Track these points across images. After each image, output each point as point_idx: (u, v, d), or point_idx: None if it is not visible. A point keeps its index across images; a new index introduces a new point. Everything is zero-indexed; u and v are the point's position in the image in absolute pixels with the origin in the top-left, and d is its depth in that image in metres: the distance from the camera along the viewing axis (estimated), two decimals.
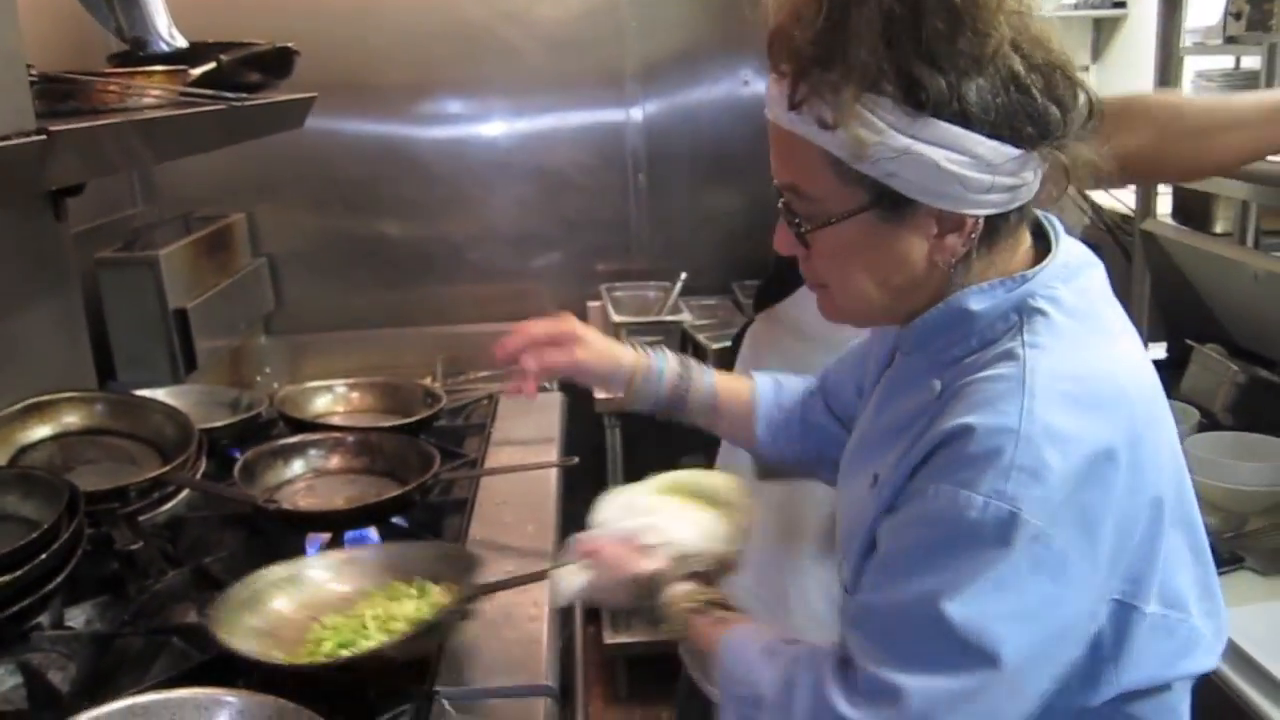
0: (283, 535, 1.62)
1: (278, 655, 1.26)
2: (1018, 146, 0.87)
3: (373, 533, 1.66)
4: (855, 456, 1.12)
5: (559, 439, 2.02)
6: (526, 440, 1.99)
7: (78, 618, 1.44)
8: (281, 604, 1.38)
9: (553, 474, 1.80)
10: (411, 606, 1.33)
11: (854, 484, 1.08)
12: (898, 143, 0.86)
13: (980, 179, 0.87)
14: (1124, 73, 3.22)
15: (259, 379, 2.81)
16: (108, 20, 1.14)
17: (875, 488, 0.99)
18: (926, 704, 0.84)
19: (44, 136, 1.03)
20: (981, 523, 0.83)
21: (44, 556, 1.29)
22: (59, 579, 1.33)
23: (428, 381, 2.61)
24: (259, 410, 2.00)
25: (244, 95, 1.38)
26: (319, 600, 1.39)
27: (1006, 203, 0.90)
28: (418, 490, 1.64)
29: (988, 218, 0.90)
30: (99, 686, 1.28)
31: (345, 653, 1.23)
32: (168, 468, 1.60)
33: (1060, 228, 0.99)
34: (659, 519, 1.21)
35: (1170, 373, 2.33)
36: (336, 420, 2.01)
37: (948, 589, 0.83)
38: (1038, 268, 0.94)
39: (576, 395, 2.57)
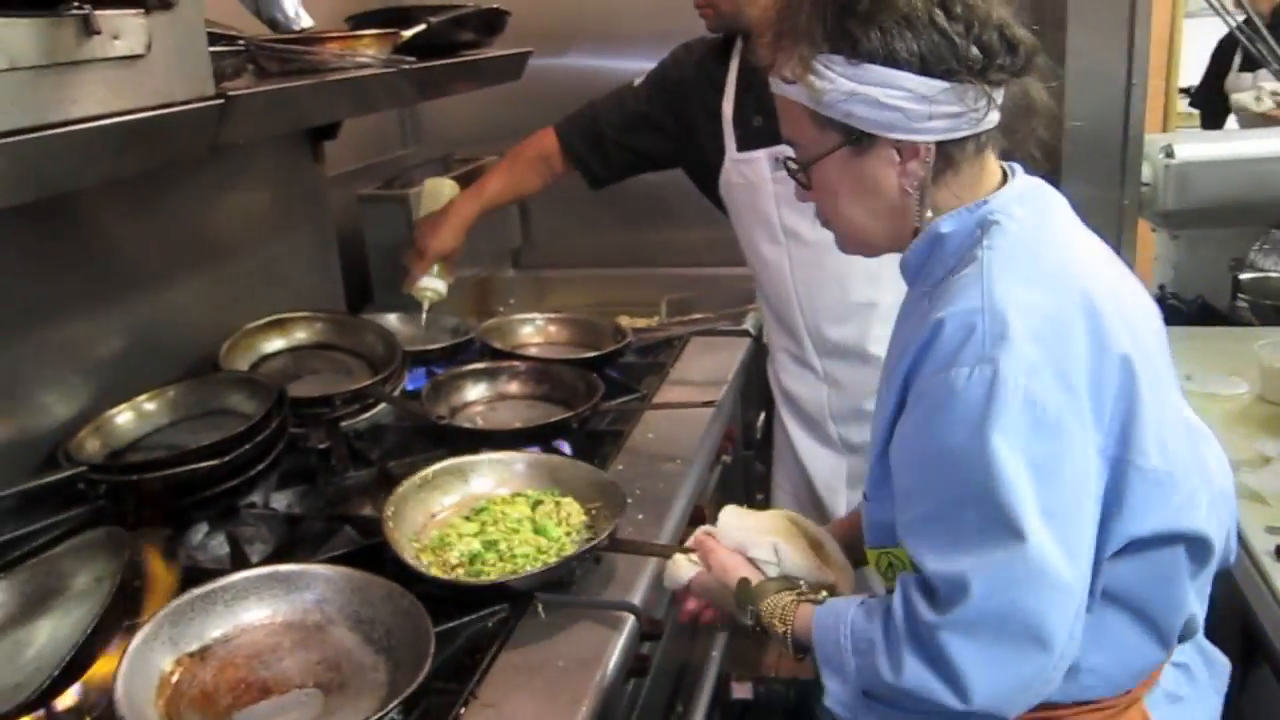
0: (462, 448, 1.82)
1: (420, 555, 1.45)
2: (946, 80, 1.04)
3: (565, 447, 1.83)
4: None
5: (731, 380, 2.11)
6: (699, 381, 2.10)
7: (281, 501, 1.71)
8: (442, 498, 1.58)
9: (707, 413, 1.90)
10: (550, 525, 1.49)
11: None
12: (846, 87, 1.06)
13: (918, 109, 1.05)
14: None
15: (502, 309, 3.06)
16: (248, 2, 1.34)
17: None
18: (988, 584, 0.97)
19: (222, 101, 1.24)
20: (971, 389, 0.98)
21: (248, 447, 1.57)
22: (261, 466, 1.60)
23: (653, 320, 2.77)
24: (471, 336, 2.23)
25: (404, 59, 1.56)
26: (471, 499, 1.58)
27: (951, 129, 1.07)
28: (575, 419, 1.80)
29: (942, 145, 1.08)
30: (281, 557, 1.53)
31: (461, 573, 1.40)
32: (368, 382, 1.85)
33: (1019, 169, 1.17)
34: (777, 540, 1.26)
35: None
36: (532, 351, 2.21)
37: (969, 465, 0.97)
38: (994, 194, 1.12)
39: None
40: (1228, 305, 2.68)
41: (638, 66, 3.20)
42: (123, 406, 1.66)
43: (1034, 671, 1.00)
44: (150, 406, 1.69)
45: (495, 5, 1.97)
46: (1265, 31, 2.46)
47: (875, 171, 1.10)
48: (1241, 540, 1.54)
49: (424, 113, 3.21)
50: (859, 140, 1.09)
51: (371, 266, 2.69)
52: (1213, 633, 1.26)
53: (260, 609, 1.28)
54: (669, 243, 3.27)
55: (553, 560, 1.39)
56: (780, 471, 2.27)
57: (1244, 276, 2.67)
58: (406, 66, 1.53)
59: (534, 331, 2.28)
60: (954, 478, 1.00)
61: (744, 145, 2.01)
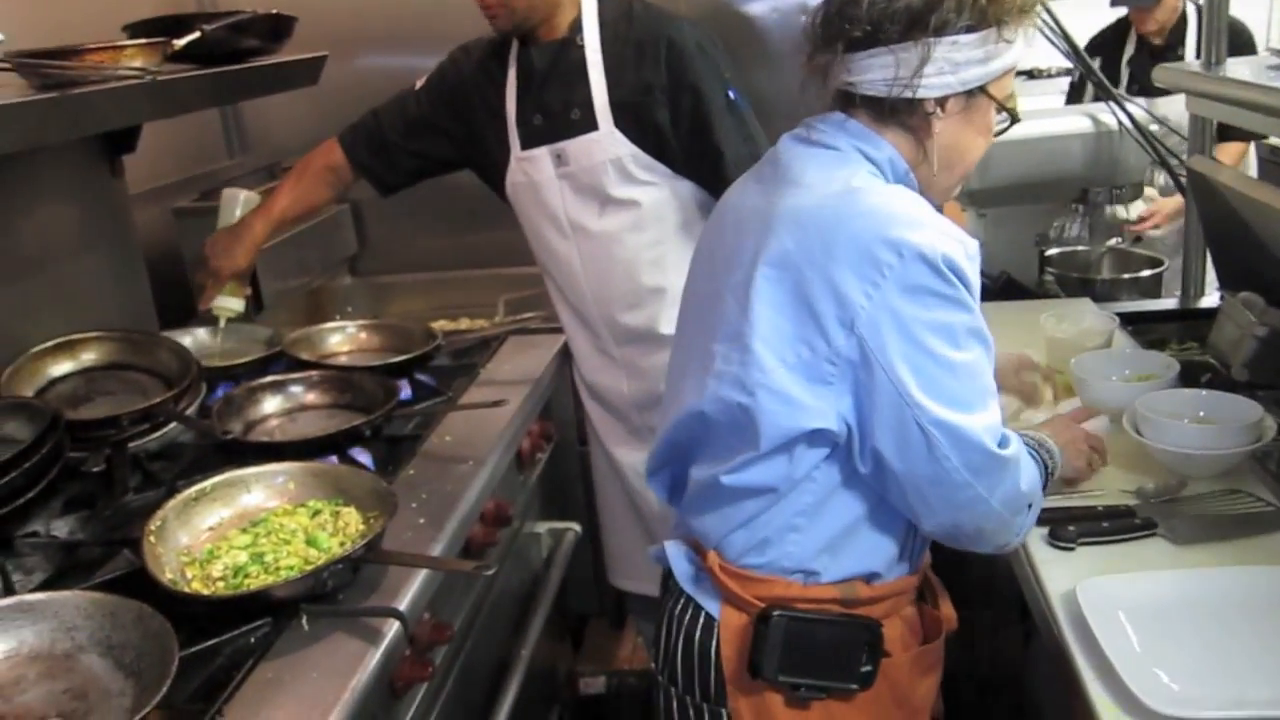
0: (255, 463, 1.79)
1: (186, 570, 1.44)
2: None
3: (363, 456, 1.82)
4: None
5: (540, 379, 2.12)
6: (508, 380, 2.11)
7: (63, 528, 1.67)
8: (221, 511, 1.57)
9: (508, 412, 1.91)
10: (322, 537, 1.48)
11: None
12: None
13: None
14: None
15: (338, 317, 3.02)
16: None
17: None
18: None
19: None
20: None
21: (14, 474, 1.52)
22: (32, 493, 1.56)
23: (493, 320, 2.78)
24: (281, 348, 2.20)
25: (155, 70, 1.54)
26: (252, 511, 1.57)
27: None
28: (367, 425, 1.79)
29: None
30: (52, 586, 1.50)
31: (222, 586, 1.39)
32: (156, 400, 1.81)
33: None
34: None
35: (1208, 323, 2.18)
36: (342, 359, 2.19)
37: None
38: None
39: None
40: (1036, 280, 2.78)
41: None
42: None
43: None
44: None
45: (276, 11, 1.95)
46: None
47: None
48: None
49: (249, 121, 3.16)
50: None
51: (191, 282, 2.64)
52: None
53: (4, 641, 1.25)
54: (506, 243, 3.23)
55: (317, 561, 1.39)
56: (597, 466, 2.30)
57: (1050, 251, 2.78)
58: (162, 76, 1.51)
59: (344, 340, 2.26)
60: None
61: (527, 143, 2.03)
